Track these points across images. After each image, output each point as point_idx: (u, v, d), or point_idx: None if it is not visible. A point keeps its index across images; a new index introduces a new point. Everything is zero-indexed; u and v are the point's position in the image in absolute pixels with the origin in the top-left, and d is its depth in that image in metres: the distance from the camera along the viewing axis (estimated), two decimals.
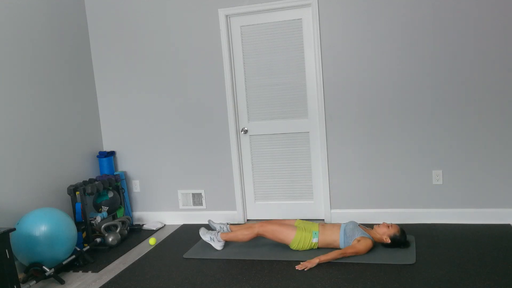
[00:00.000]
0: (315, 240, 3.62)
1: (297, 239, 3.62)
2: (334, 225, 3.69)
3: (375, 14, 4.04)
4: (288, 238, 3.63)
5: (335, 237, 3.58)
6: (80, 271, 3.68)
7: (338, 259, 3.40)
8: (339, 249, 3.57)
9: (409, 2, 3.95)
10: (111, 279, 3.46)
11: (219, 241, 3.81)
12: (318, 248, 3.67)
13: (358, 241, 3.47)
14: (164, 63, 4.61)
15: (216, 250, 3.82)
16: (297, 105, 4.37)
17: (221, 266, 3.52)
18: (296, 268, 3.27)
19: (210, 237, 3.84)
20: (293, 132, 4.43)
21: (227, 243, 3.93)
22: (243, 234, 3.71)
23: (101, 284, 3.37)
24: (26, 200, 3.82)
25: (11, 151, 3.70)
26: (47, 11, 4.19)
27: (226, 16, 4.37)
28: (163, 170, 4.79)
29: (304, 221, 3.83)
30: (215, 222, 4.33)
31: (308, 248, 3.66)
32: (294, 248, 3.67)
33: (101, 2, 4.68)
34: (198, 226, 4.62)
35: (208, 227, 4.51)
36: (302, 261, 3.44)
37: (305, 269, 3.26)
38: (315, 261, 3.30)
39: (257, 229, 3.67)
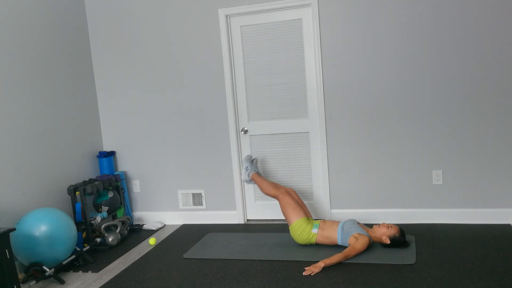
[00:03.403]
0: (314, 231, 3.66)
1: (299, 223, 3.69)
2: (333, 222, 3.73)
3: (375, 14, 4.04)
4: (293, 219, 3.74)
5: (333, 233, 3.62)
6: (80, 271, 3.68)
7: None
8: (337, 245, 3.62)
9: (409, 2, 3.95)
10: (111, 279, 3.46)
11: (248, 176, 4.18)
12: (316, 243, 3.70)
13: (356, 238, 3.48)
14: (164, 63, 4.61)
15: (245, 182, 4.23)
16: (297, 105, 4.37)
17: (221, 266, 3.52)
18: (303, 274, 3.22)
19: (247, 168, 4.19)
20: (293, 132, 4.43)
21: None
22: (268, 188, 4.01)
23: (101, 284, 3.37)
24: (26, 200, 3.82)
25: (11, 151, 3.70)
26: (47, 11, 4.19)
27: (226, 16, 4.37)
28: (163, 170, 4.79)
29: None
30: (252, 161, 4.36)
31: (306, 239, 3.68)
32: (293, 232, 3.71)
33: (101, 2, 4.68)
34: (198, 226, 4.63)
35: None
36: (302, 261, 3.45)
37: (311, 274, 3.22)
38: (320, 265, 3.27)
39: (279, 195, 3.90)
